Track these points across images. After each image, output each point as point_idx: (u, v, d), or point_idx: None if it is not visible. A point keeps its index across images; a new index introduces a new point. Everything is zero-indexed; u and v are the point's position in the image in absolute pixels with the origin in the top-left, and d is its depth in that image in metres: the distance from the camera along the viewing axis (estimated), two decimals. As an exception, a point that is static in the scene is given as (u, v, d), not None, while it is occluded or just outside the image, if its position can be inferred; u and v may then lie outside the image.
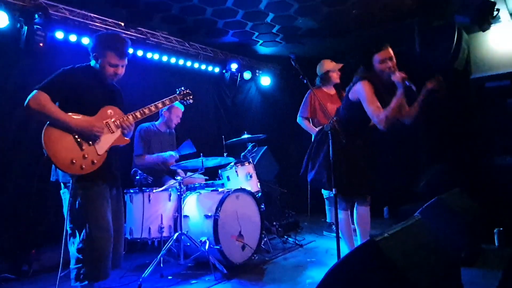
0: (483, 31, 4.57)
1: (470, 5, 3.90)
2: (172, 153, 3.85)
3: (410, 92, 2.77)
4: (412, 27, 4.63)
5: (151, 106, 2.62)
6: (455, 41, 4.32)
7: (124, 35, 2.80)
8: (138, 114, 2.56)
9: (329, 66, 4.41)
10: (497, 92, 4.97)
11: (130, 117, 2.51)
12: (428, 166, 5.08)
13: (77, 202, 2.28)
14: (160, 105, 2.66)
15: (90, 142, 2.33)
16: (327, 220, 4.68)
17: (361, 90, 2.78)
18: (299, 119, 4.52)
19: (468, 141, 4.91)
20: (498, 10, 4.09)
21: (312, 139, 3.43)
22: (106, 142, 2.39)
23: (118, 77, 2.51)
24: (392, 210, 5.48)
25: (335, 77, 4.41)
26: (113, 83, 2.58)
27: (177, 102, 3.94)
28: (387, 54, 2.82)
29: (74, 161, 2.23)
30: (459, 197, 3.50)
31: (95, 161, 2.32)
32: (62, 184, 2.39)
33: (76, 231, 2.29)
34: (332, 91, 4.48)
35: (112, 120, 2.44)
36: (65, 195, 2.37)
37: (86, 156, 2.28)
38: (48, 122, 2.24)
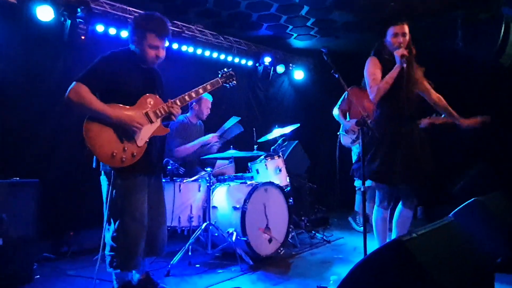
0: (533, 24, 4.29)
1: (520, -4, 3.66)
2: (210, 135, 3.86)
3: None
4: (455, 20, 4.41)
5: (191, 92, 2.54)
6: (502, 35, 4.08)
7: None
8: (187, 97, 2.50)
9: None
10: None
11: (178, 101, 2.47)
12: (467, 167, 4.85)
13: (114, 192, 2.31)
14: (201, 91, 2.58)
15: (130, 135, 2.31)
16: (355, 209, 4.72)
17: (366, 65, 2.90)
18: (335, 112, 4.52)
19: (512, 141, 4.64)
20: (550, 1, 3.81)
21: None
22: (146, 133, 2.36)
23: (159, 60, 2.44)
24: (426, 210, 5.29)
25: None
26: (153, 67, 2.53)
27: (205, 93, 4.06)
28: (401, 29, 2.87)
29: (114, 154, 2.23)
30: (499, 199, 3.32)
31: (135, 153, 2.31)
32: (102, 172, 2.42)
33: (112, 219, 2.33)
34: None
35: (152, 109, 2.39)
36: (103, 182, 2.41)
37: (126, 148, 2.28)
38: (88, 115, 2.25)
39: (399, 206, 3.05)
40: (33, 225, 2.95)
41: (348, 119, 4.54)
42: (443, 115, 3.79)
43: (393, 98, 2.84)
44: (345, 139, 4.57)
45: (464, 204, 3.10)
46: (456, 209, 3.05)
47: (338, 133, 4.66)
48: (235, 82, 2.82)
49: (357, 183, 4.61)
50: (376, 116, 2.96)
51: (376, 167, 2.80)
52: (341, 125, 4.64)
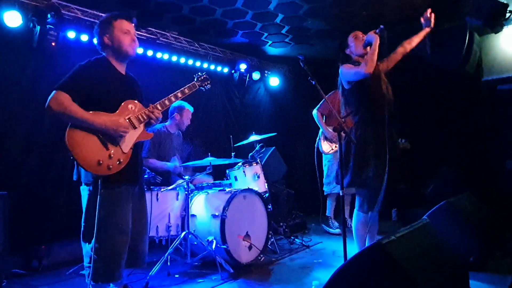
0: (495, 33, 4.53)
1: (482, 7, 3.85)
2: (176, 163, 3.82)
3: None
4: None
5: (171, 96, 2.53)
6: (466, 43, 4.28)
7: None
8: (167, 101, 2.48)
9: None
10: (509, 95, 4.91)
11: (159, 106, 2.45)
12: (438, 169, 5.03)
13: (98, 202, 2.23)
14: (179, 95, 2.57)
15: (115, 141, 2.27)
16: (327, 214, 4.83)
17: (343, 69, 2.97)
18: (314, 112, 4.64)
19: (479, 144, 4.86)
20: (510, 12, 4.03)
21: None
22: (130, 139, 2.33)
23: (137, 45, 2.43)
24: (400, 212, 5.44)
25: None
26: (130, 74, 2.51)
27: (187, 104, 4.03)
28: (359, 33, 3.09)
29: (101, 162, 2.18)
30: (468, 200, 3.47)
31: (121, 160, 2.27)
32: (83, 183, 2.34)
33: (94, 230, 2.24)
34: None
35: (135, 115, 2.36)
36: (84, 192, 2.33)
37: (112, 155, 2.23)
38: (70, 123, 2.18)
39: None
40: (2, 239, 2.82)
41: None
42: (405, 142, 3.97)
43: (372, 102, 2.92)
44: (324, 146, 4.65)
45: (436, 206, 3.21)
46: (429, 211, 3.16)
47: (317, 139, 4.73)
48: (209, 85, 2.84)
49: (326, 188, 4.75)
50: (356, 122, 2.99)
51: (367, 173, 2.81)
52: (320, 131, 4.71)
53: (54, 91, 2.17)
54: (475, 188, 4.23)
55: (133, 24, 2.43)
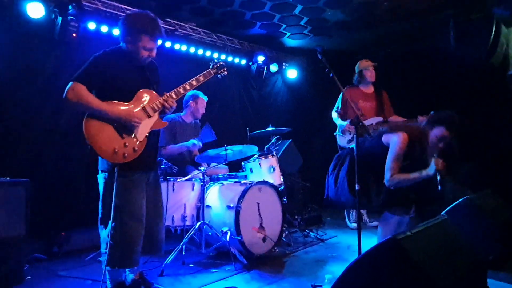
0: (524, 24, 4.34)
1: (510, -4, 3.70)
2: (195, 141, 3.84)
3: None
4: (447, 20, 4.45)
5: (185, 84, 2.55)
6: (493, 35, 4.12)
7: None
8: (181, 89, 2.51)
9: (363, 65, 4.50)
10: (536, 90, 4.70)
11: (173, 94, 2.48)
12: (460, 165, 4.90)
13: (113, 189, 2.30)
14: (194, 82, 2.59)
15: (130, 130, 2.33)
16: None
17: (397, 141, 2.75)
18: (333, 113, 4.59)
19: (504, 140, 4.70)
20: (541, 2, 3.86)
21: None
22: (145, 127, 2.38)
23: (150, 59, 2.48)
24: (418, 209, 5.33)
25: (369, 75, 4.48)
26: (151, 61, 2.54)
27: (201, 93, 4.04)
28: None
29: (116, 150, 2.25)
30: (490, 197, 3.36)
31: (137, 148, 2.33)
32: (99, 170, 2.42)
33: (110, 217, 2.32)
34: (369, 89, 4.53)
35: (149, 104, 2.40)
36: (101, 180, 2.40)
37: (127, 144, 2.29)
38: (87, 113, 2.26)
39: None
40: (24, 225, 2.91)
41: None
42: None
43: None
44: (341, 139, 4.58)
45: (455, 202, 3.13)
46: (448, 208, 3.08)
47: (334, 134, 4.66)
48: (226, 72, 2.82)
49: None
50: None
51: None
52: (338, 126, 4.65)
53: (71, 82, 2.25)
54: (498, 185, 4.10)
55: (157, 42, 2.45)
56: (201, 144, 3.92)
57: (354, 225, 4.68)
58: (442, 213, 2.69)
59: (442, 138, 2.78)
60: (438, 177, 2.66)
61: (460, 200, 3.12)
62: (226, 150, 3.53)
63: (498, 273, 2.83)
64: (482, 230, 2.88)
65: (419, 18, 4.67)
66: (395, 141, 2.74)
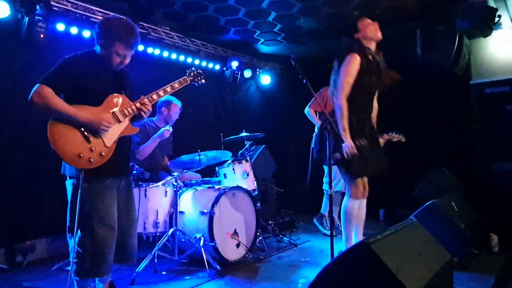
0: (484, 36, 4.59)
1: (472, 10, 3.90)
2: (166, 127, 3.74)
3: None
4: (414, 31, 4.64)
5: (159, 90, 2.51)
6: (456, 46, 4.33)
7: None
8: (155, 96, 2.46)
9: None
10: (497, 98, 4.97)
11: (146, 100, 2.43)
12: (426, 170, 5.09)
13: (81, 196, 2.23)
14: (169, 89, 2.54)
15: (97, 134, 2.26)
16: (321, 211, 4.76)
17: (347, 62, 2.96)
18: (307, 110, 4.60)
19: (467, 146, 4.92)
20: (499, 16, 4.09)
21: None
22: (114, 133, 2.32)
23: (123, 65, 2.43)
24: (388, 212, 5.49)
25: None
26: (116, 70, 2.48)
27: (174, 98, 3.99)
28: (367, 19, 3.12)
29: (81, 155, 2.17)
30: (454, 201, 3.51)
31: (104, 154, 2.26)
32: (67, 176, 2.33)
33: (79, 225, 2.24)
34: None
35: (119, 109, 2.35)
36: (69, 186, 2.32)
37: (93, 149, 2.22)
38: (52, 116, 2.18)
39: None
40: (-15, 234, 2.77)
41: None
42: (399, 134, 4.05)
43: (365, 89, 2.99)
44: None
45: (423, 206, 3.25)
46: (416, 211, 3.19)
47: (313, 135, 4.72)
48: (203, 80, 2.80)
49: (326, 187, 4.70)
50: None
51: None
52: (315, 127, 4.70)
53: (37, 85, 2.17)
54: (463, 189, 4.29)
55: (132, 50, 2.40)
56: (171, 129, 3.80)
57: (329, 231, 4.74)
58: (411, 217, 2.79)
59: (371, 24, 3.10)
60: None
61: (427, 203, 3.26)
62: (199, 155, 3.51)
63: (463, 274, 2.95)
64: (447, 233, 3.00)
65: (388, 28, 4.83)
66: (346, 62, 2.98)
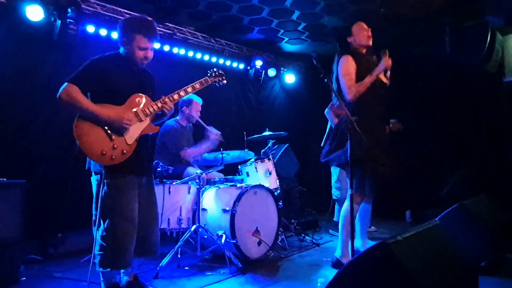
0: (519, 33, 4.40)
1: (504, 5, 3.75)
2: (213, 130, 3.78)
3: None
4: (443, 27, 4.50)
5: (180, 90, 2.57)
6: (487, 42, 4.17)
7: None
8: (176, 96, 2.54)
9: None
10: (531, 97, 4.75)
11: (167, 100, 2.51)
12: (455, 171, 4.93)
13: (104, 191, 2.34)
14: (189, 89, 2.61)
15: (120, 133, 2.35)
16: (335, 219, 4.70)
17: (342, 63, 2.98)
18: (327, 111, 4.49)
19: (498, 146, 4.73)
20: (534, 11, 3.91)
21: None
22: (135, 131, 2.41)
23: (147, 61, 2.49)
24: (414, 214, 5.36)
25: None
26: (145, 69, 2.58)
27: (195, 96, 4.04)
28: (362, 24, 3.13)
29: (104, 152, 2.27)
30: (484, 203, 3.39)
31: (125, 151, 2.35)
32: (92, 172, 2.45)
33: (101, 219, 2.35)
34: None
35: (141, 108, 2.43)
36: (94, 182, 2.44)
37: (115, 146, 2.32)
38: (78, 114, 2.30)
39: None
40: (20, 227, 2.92)
41: None
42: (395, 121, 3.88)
43: (373, 89, 2.96)
44: None
45: (450, 208, 3.16)
46: (443, 213, 3.10)
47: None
48: (225, 81, 2.84)
49: (336, 193, 4.62)
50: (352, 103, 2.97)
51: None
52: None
53: (65, 83, 2.29)
54: (492, 190, 4.13)
55: (153, 43, 2.47)
56: (219, 133, 3.81)
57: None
58: (435, 219, 2.71)
59: (365, 30, 3.10)
60: None
61: (454, 205, 3.15)
62: (222, 154, 3.55)
63: (491, 279, 2.85)
64: (474, 236, 2.90)
65: (415, 25, 4.72)
66: (341, 64, 3.02)
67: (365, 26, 3.11)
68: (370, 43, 3.07)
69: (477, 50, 4.17)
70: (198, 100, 4.07)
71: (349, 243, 2.73)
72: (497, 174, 4.56)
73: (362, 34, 3.06)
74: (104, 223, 2.34)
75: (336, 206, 4.71)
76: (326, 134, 4.54)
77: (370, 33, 3.09)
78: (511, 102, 4.84)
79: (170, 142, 3.92)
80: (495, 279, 2.89)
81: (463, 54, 4.30)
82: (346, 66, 2.97)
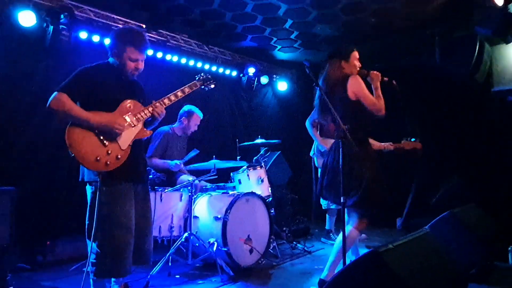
0: (507, 43, 4.49)
1: (492, 16, 3.83)
2: (178, 162, 3.81)
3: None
4: (433, 38, 4.58)
5: (170, 95, 2.59)
6: (476, 53, 4.25)
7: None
8: (166, 100, 2.55)
9: None
10: (519, 106, 4.84)
11: (158, 104, 2.52)
12: (445, 179, 4.99)
13: (100, 200, 2.31)
14: (179, 94, 2.62)
15: (113, 138, 2.34)
16: (326, 228, 4.70)
17: (358, 85, 2.87)
18: (307, 123, 4.39)
19: (487, 154, 4.80)
20: (521, 22, 4.00)
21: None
22: (128, 136, 2.41)
23: (138, 72, 2.51)
24: (405, 221, 5.40)
25: None
26: (133, 78, 2.58)
27: (197, 109, 4.05)
28: (357, 55, 3.07)
29: (98, 158, 2.26)
30: (473, 211, 3.43)
31: (120, 156, 2.34)
32: (87, 182, 2.43)
33: (98, 227, 2.32)
34: None
35: (133, 114, 2.44)
36: (88, 191, 2.42)
37: (109, 152, 2.31)
38: (70, 121, 2.28)
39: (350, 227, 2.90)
40: (8, 234, 2.87)
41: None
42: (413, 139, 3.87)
43: (368, 114, 2.91)
44: (319, 161, 4.46)
45: (440, 216, 3.18)
46: (433, 221, 3.13)
47: (310, 155, 4.65)
48: (212, 85, 2.88)
49: (324, 203, 4.55)
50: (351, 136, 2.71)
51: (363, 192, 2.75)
52: (313, 146, 4.57)
53: (55, 92, 2.29)
54: (483, 198, 4.18)
55: (144, 54, 2.49)
56: (182, 165, 3.85)
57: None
58: (425, 227, 2.73)
59: (358, 59, 3.05)
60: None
61: (444, 214, 3.18)
62: (214, 167, 3.55)
63: (480, 286, 2.87)
64: (464, 244, 2.93)
65: (405, 35, 4.80)
66: (357, 85, 2.91)
67: (358, 56, 3.08)
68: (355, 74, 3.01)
69: (466, 60, 4.24)
70: (199, 114, 4.07)
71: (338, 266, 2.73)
72: (486, 183, 4.61)
73: (355, 64, 3.02)
74: (101, 232, 2.31)
75: (328, 216, 4.71)
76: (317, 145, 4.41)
77: (359, 67, 3.05)
78: (499, 111, 4.93)
79: (151, 144, 3.91)
80: (485, 286, 2.91)
81: (453, 63, 4.38)
82: (363, 86, 2.89)
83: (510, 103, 4.90)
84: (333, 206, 4.50)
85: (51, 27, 3.77)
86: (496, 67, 4.80)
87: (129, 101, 2.46)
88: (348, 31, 4.79)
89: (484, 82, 4.62)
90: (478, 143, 4.83)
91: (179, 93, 2.64)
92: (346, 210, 2.75)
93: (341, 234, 2.90)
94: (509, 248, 3.55)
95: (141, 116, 2.47)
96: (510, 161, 4.72)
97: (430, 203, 4.88)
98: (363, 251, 3.33)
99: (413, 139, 3.86)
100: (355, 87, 2.89)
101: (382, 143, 3.69)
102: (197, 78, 2.82)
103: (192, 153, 3.79)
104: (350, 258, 3.12)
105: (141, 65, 2.50)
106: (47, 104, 2.27)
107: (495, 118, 4.89)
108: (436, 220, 3.09)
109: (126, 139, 2.40)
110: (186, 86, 2.70)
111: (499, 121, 4.87)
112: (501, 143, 4.81)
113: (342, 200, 2.57)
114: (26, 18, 3.60)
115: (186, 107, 4.06)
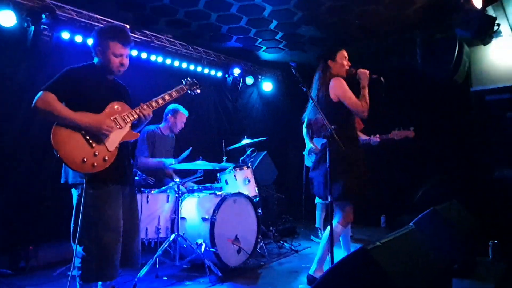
0: (485, 44, 4.64)
1: (471, 19, 3.95)
2: (172, 161, 3.82)
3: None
4: (414, 40, 4.69)
5: (158, 98, 2.58)
6: (456, 54, 4.37)
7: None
8: (154, 103, 2.54)
9: None
10: (497, 105, 5.00)
11: (145, 107, 2.50)
12: (427, 177, 5.10)
13: (86, 202, 2.26)
14: (167, 97, 2.62)
15: (100, 140, 2.31)
16: (316, 225, 4.74)
17: (340, 86, 2.96)
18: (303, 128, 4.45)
19: (467, 153, 4.94)
20: (498, 25, 4.14)
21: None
22: (115, 138, 2.37)
23: (124, 68, 2.48)
24: (389, 219, 5.50)
25: None
26: (118, 80, 2.57)
27: (182, 108, 4.06)
28: (345, 54, 3.12)
29: (85, 160, 2.21)
30: (455, 208, 3.52)
31: (107, 158, 2.30)
32: (72, 184, 2.37)
33: (84, 230, 2.27)
34: None
35: (120, 115, 2.41)
36: (74, 194, 2.36)
37: (96, 153, 2.27)
38: (56, 122, 2.23)
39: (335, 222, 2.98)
40: (-11, 240, 2.80)
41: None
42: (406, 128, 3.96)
43: (352, 119, 3.01)
44: (309, 161, 4.50)
45: (423, 213, 3.27)
46: (416, 218, 3.21)
47: (303, 153, 4.71)
48: (198, 90, 2.91)
49: (318, 199, 4.65)
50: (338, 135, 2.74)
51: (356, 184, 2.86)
52: (306, 146, 4.67)
53: (41, 92, 2.24)
54: (464, 196, 4.30)
55: (127, 49, 2.47)
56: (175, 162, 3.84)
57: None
58: (410, 224, 2.80)
59: (345, 57, 3.13)
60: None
61: (426, 211, 3.27)
62: (201, 171, 3.56)
63: (463, 281, 2.96)
64: (447, 240, 3.01)
65: (389, 37, 4.89)
66: (340, 87, 2.99)
67: (346, 54, 3.11)
68: (344, 75, 3.07)
69: (446, 61, 4.36)
70: (184, 112, 4.09)
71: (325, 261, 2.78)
72: (467, 180, 4.75)
73: (342, 63, 3.06)
74: (87, 235, 2.26)
75: (317, 212, 4.75)
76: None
77: (348, 66, 3.10)
78: (478, 110, 5.08)
79: (142, 145, 3.88)
80: (467, 281, 3.00)
81: (434, 65, 4.48)
82: (345, 87, 2.96)
83: (488, 103, 5.06)
84: (319, 201, 4.57)
85: (32, 27, 3.69)
86: (474, 68, 4.95)
87: (117, 102, 2.43)
88: (332, 32, 4.85)
89: (463, 82, 4.76)
90: (460, 142, 4.97)
91: (167, 97, 2.63)
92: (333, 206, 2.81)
93: (327, 230, 2.97)
94: (489, 243, 3.68)
95: (129, 118, 2.44)
96: (489, 159, 4.87)
97: (413, 200, 4.99)
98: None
99: (411, 128, 3.95)
100: (336, 89, 2.99)
101: (370, 136, 3.78)
102: (184, 83, 2.84)
103: (186, 152, 3.78)
104: (343, 254, 3.18)
105: (126, 61, 2.47)
106: (33, 104, 2.21)
107: (474, 117, 5.04)
108: (419, 217, 3.17)
109: (113, 141, 2.36)
110: (174, 90, 2.70)
111: (478, 120, 5.02)
112: (480, 141, 4.96)
113: (329, 198, 2.63)
114: (6, 18, 3.50)
115: (171, 106, 4.05)
